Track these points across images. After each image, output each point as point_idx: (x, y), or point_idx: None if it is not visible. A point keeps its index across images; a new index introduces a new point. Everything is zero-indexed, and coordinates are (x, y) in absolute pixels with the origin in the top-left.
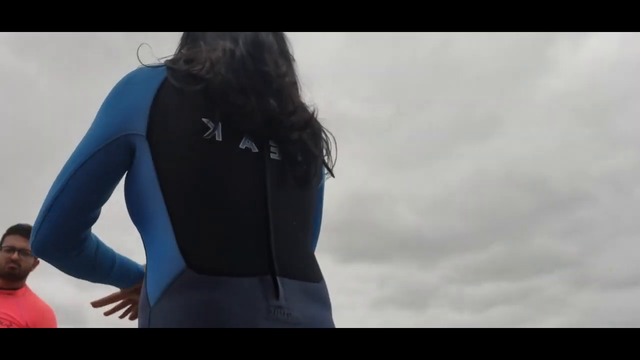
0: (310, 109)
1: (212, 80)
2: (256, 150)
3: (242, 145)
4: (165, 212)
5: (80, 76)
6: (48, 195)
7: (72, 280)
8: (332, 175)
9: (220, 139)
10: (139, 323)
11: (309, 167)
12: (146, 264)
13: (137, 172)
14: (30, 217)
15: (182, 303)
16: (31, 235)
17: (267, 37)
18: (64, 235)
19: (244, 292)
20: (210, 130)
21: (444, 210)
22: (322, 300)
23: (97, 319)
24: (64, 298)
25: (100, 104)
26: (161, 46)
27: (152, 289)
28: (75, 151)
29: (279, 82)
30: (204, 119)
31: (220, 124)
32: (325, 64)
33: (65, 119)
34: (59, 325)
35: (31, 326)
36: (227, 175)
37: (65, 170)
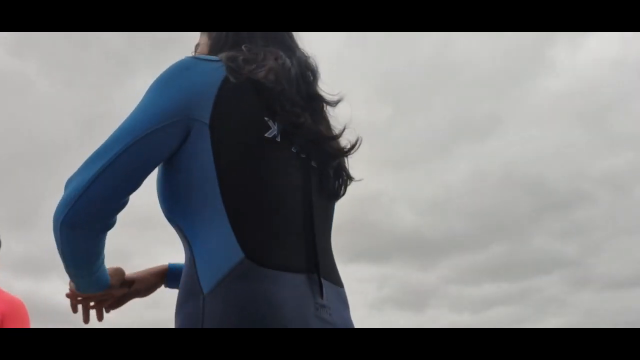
0: (351, 139)
1: (274, 88)
2: (304, 156)
3: (294, 149)
4: (222, 204)
5: (79, 77)
6: (89, 167)
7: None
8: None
9: (279, 140)
10: (183, 310)
11: (339, 183)
12: (191, 254)
13: (189, 161)
14: (29, 217)
15: (239, 292)
16: (63, 206)
17: (314, 62)
18: (101, 214)
19: (297, 288)
20: (271, 130)
21: (443, 210)
22: (347, 304)
23: (95, 319)
24: (63, 298)
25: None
26: (160, 47)
27: (205, 277)
28: (127, 125)
29: (324, 110)
30: (265, 118)
31: (279, 127)
32: (323, 65)
33: (64, 120)
34: (59, 325)
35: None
36: (283, 175)
37: (115, 142)
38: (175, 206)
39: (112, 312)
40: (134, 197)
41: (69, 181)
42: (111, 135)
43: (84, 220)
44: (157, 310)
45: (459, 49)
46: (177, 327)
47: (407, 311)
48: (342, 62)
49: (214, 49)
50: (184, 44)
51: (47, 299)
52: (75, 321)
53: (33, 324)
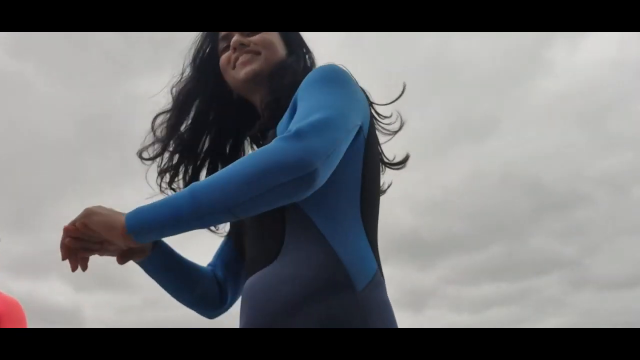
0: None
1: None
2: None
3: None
4: (359, 214)
5: (77, 78)
6: (331, 134)
7: (69, 281)
8: None
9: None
10: (330, 298)
11: None
12: (329, 248)
13: (341, 164)
14: (27, 218)
15: (381, 297)
16: (323, 155)
17: None
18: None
19: None
20: (381, 153)
21: (442, 211)
22: None
23: (95, 319)
24: (61, 299)
25: None
26: (158, 47)
27: (357, 275)
28: (340, 108)
29: None
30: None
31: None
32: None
33: (62, 120)
34: (58, 325)
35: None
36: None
37: (345, 120)
38: (312, 198)
39: (118, 313)
40: (133, 199)
41: (307, 130)
42: (326, 114)
43: (321, 181)
44: (156, 311)
45: (458, 50)
46: (318, 312)
47: (406, 311)
48: (340, 62)
49: (290, 49)
50: (182, 44)
51: (45, 300)
52: (73, 321)
53: (30, 325)
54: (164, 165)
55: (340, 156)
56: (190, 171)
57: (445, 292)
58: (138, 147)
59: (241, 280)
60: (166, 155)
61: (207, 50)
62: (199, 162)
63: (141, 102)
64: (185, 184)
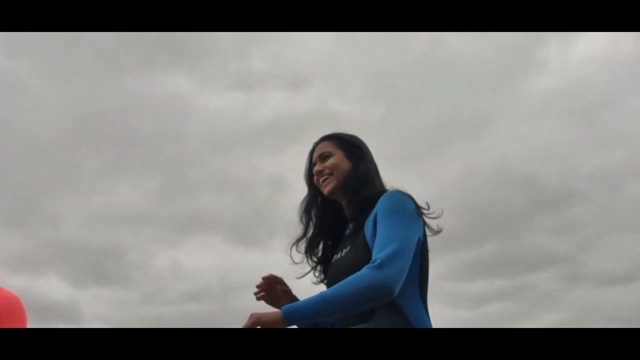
0: None
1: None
2: None
3: None
4: (418, 289)
5: (70, 76)
6: (402, 261)
7: (67, 278)
8: None
9: None
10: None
11: None
12: (404, 315)
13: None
14: (24, 214)
15: None
16: (398, 280)
17: None
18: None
19: None
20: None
21: (436, 207)
22: None
23: (92, 315)
24: (59, 295)
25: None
26: (151, 46)
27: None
28: (407, 238)
29: None
30: None
31: None
32: (315, 64)
33: (56, 118)
34: (58, 320)
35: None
36: None
37: (410, 246)
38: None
39: (116, 309)
40: (129, 196)
41: (387, 262)
42: (399, 246)
43: (394, 293)
44: (154, 307)
45: (450, 49)
46: None
47: None
48: (334, 61)
49: (366, 176)
50: (174, 43)
51: (42, 296)
52: (71, 317)
53: (29, 321)
54: (303, 243)
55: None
56: (315, 245)
57: (442, 288)
58: (133, 145)
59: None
60: (304, 239)
61: (309, 171)
62: (319, 238)
63: (135, 99)
64: (311, 253)
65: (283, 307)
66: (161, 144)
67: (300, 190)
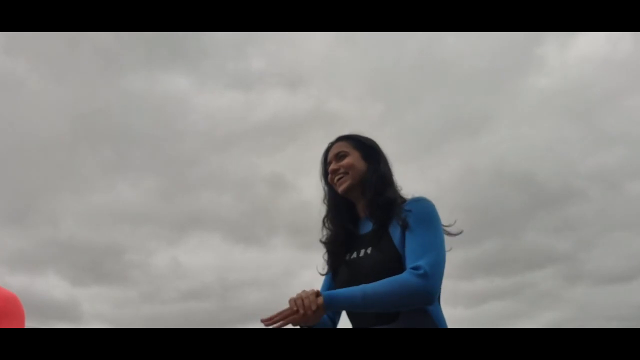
0: None
1: None
2: None
3: None
4: (439, 295)
5: (69, 75)
6: (441, 270)
7: (66, 276)
8: None
9: None
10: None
11: None
12: (430, 315)
13: None
14: (23, 213)
15: None
16: (439, 287)
17: None
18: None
19: None
20: None
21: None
22: None
23: (92, 314)
24: (59, 293)
25: None
26: (148, 45)
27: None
28: (442, 247)
29: None
30: None
31: None
32: (314, 63)
33: (55, 117)
34: (58, 319)
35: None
36: None
37: (445, 253)
38: None
39: (115, 308)
40: (128, 195)
41: (430, 271)
42: (438, 256)
43: (434, 302)
44: (153, 305)
45: (449, 48)
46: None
47: None
48: (333, 60)
49: (386, 178)
50: (173, 43)
51: (42, 294)
52: (72, 315)
53: (29, 320)
54: (325, 232)
55: None
56: (337, 242)
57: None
58: (132, 144)
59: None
60: (326, 230)
61: (324, 170)
62: (337, 231)
63: (134, 98)
64: (332, 250)
65: (324, 294)
66: (160, 142)
67: (298, 189)
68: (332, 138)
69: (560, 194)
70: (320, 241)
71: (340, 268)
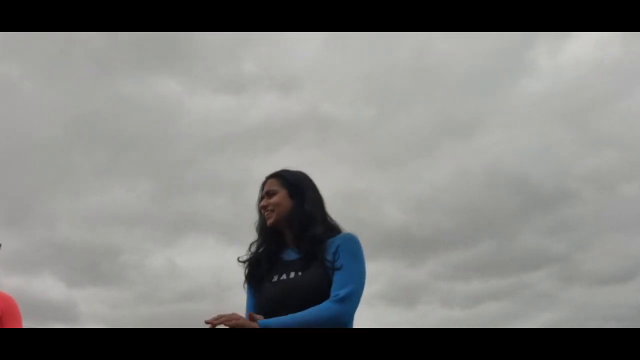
0: None
1: None
2: None
3: None
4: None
5: (63, 79)
6: (358, 298)
7: (62, 277)
8: None
9: None
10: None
11: None
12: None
13: None
14: (18, 215)
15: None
16: (353, 313)
17: None
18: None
19: None
20: None
21: (430, 208)
22: None
23: (88, 315)
24: (55, 294)
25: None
26: (141, 47)
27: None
28: (363, 278)
29: None
30: None
31: None
32: (307, 66)
33: (49, 120)
34: (55, 320)
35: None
36: None
37: (364, 283)
38: None
39: (111, 309)
40: (123, 197)
41: (347, 299)
42: (357, 287)
43: (348, 325)
44: (150, 306)
45: (441, 51)
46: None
47: (398, 307)
48: (325, 63)
49: (310, 215)
50: (165, 46)
51: (38, 295)
52: (68, 316)
53: (26, 321)
54: (248, 256)
55: None
56: (257, 262)
57: (437, 288)
58: (126, 146)
59: None
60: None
61: (259, 201)
62: (259, 256)
63: (127, 101)
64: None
65: (260, 322)
66: (154, 145)
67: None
68: (326, 141)
69: (554, 196)
70: (239, 260)
71: (263, 287)
